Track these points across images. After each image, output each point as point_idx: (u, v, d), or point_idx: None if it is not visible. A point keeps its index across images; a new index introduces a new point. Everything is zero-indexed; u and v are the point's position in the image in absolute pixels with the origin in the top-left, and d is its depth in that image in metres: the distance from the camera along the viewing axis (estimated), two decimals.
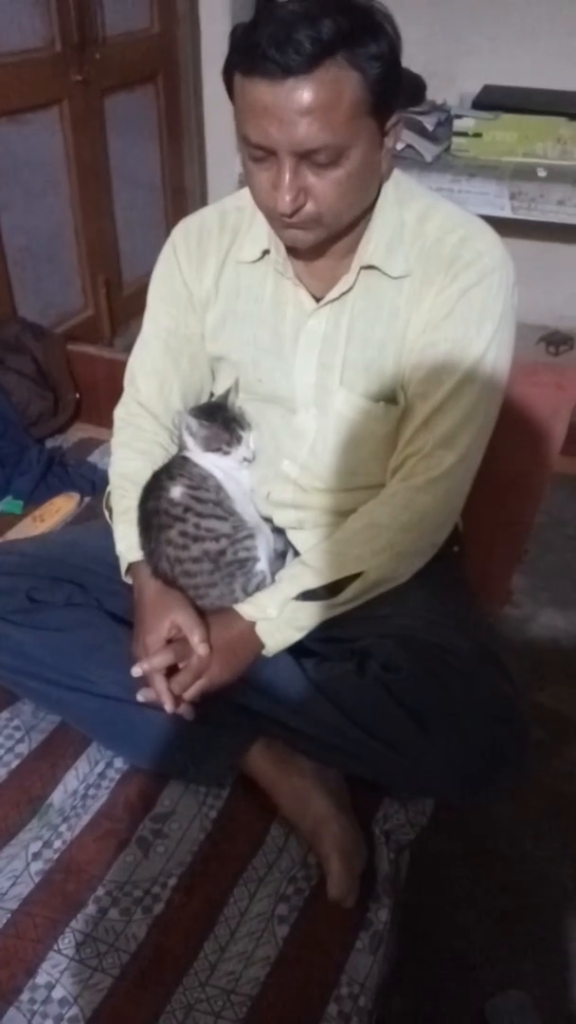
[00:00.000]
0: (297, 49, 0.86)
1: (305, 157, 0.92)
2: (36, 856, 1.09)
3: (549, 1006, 1.28)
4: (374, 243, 1.06)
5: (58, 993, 0.96)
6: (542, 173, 2.29)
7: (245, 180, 1.01)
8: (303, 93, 0.88)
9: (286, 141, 0.91)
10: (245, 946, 1.00)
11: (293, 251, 1.09)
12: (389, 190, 1.06)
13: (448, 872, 1.45)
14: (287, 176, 0.93)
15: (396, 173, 1.08)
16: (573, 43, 2.46)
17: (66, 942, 1.00)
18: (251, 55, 0.88)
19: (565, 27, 2.45)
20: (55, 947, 1.00)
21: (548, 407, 1.33)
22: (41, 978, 0.97)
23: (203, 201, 2.82)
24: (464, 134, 2.41)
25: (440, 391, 1.07)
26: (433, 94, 2.57)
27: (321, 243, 1.04)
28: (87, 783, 1.18)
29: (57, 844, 1.11)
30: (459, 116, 2.41)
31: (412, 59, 2.40)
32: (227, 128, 0.98)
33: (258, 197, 1.00)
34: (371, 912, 1.03)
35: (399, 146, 2.34)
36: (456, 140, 2.42)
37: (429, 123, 2.45)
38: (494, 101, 2.40)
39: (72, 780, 1.18)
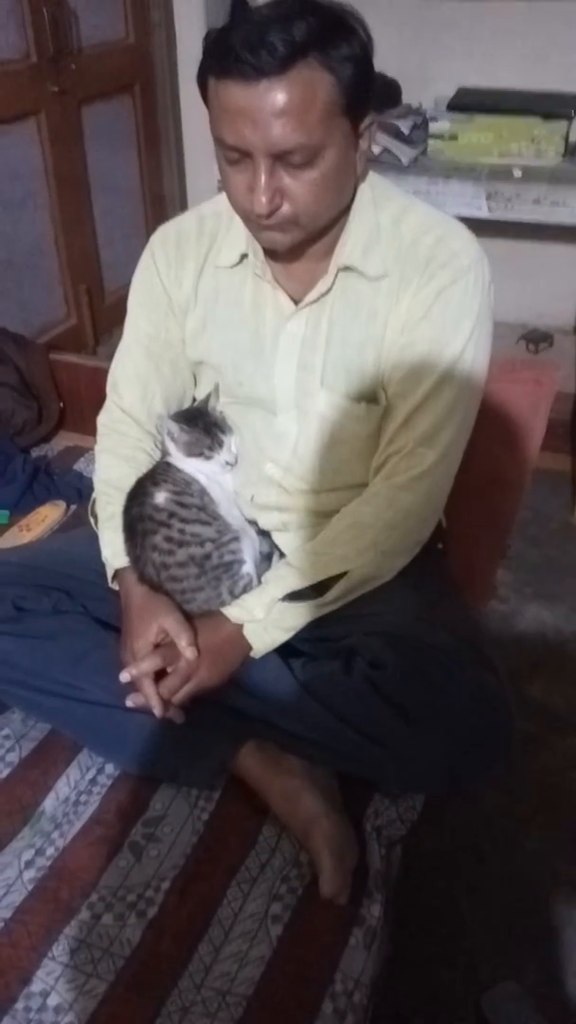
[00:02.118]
0: (270, 51, 0.87)
1: (280, 158, 0.93)
2: (29, 864, 1.09)
3: (545, 997, 1.29)
4: (351, 245, 1.07)
5: (53, 1000, 0.96)
6: (517, 173, 2.31)
7: (221, 183, 1.02)
8: (277, 94, 0.89)
9: (261, 142, 0.92)
10: (239, 946, 1.00)
11: (271, 254, 1.10)
12: (365, 192, 1.07)
13: (442, 867, 1.46)
14: (263, 177, 0.94)
15: (372, 175, 1.09)
16: (545, 44, 2.48)
17: (60, 949, 1.00)
18: (224, 58, 0.89)
19: (537, 29, 2.47)
20: (49, 954, 1.00)
21: (527, 403, 1.35)
22: (36, 986, 0.97)
23: (183, 208, 2.81)
24: (440, 136, 2.42)
25: (420, 390, 1.08)
26: (408, 97, 2.59)
27: (298, 245, 1.05)
28: (78, 790, 1.18)
29: (50, 851, 1.11)
30: (434, 119, 2.42)
31: (387, 63, 2.43)
32: (205, 135, 0.99)
33: (234, 199, 1.01)
34: (364, 908, 1.03)
35: (376, 150, 2.36)
36: (432, 143, 2.43)
37: (405, 126, 2.46)
38: (469, 103, 2.42)
39: (63, 787, 1.18)
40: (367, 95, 0.96)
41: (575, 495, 2.28)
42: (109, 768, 1.20)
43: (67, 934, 1.02)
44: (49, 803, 1.16)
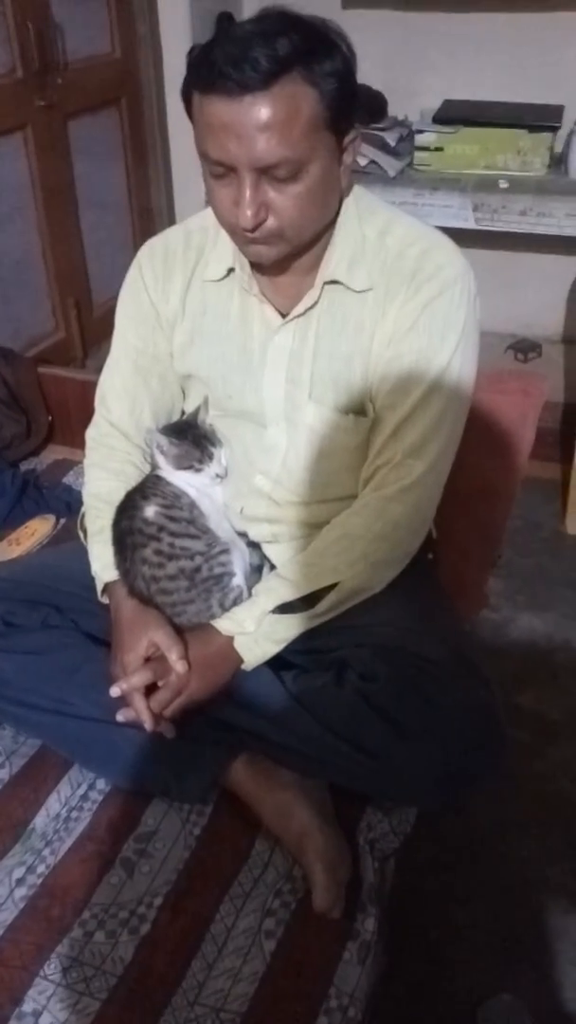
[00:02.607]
0: (254, 66, 0.87)
1: (265, 172, 0.94)
2: (20, 882, 1.08)
3: (541, 1008, 1.29)
4: (336, 258, 1.07)
5: (45, 1020, 0.95)
6: (504, 184, 2.32)
7: (207, 198, 1.03)
8: (261, 109, 0.89)
9: (245, 157, 0.92)
10: (233, 963, 0.99)
11: (258, 268, 1.11)
12: (350, 206, 1.08)
13: (435, 878, 1.46)
14: (248, 191, 0.94)
15: (357, 189, 1.10)
16: (529, 56, 2.50)
17: (52, 967, 0.99)
18: (209, 73, 0.90)
19: (521, 41, 2.49)
20: (41, 973, 0.99)
21: (515, 413, 1.35)
22: (28, 1005, 0.96)
23: (170, 221, 2.83)
24: (426, 148, 2.43)
25: (407, 402, 1.09)
26: (394, 110, 2.60)
27: (284, 259, 1.05)
28: (69, 806, 1.17)
29: (41, 869, 1.10)
30: (420, 131, 2.44)
31: (373, 76, 2.45)
32: (192, 148, 0.99)
33: (220, 214, 1.01)
34: (358, 922, 1.03)
35: (362, 162, 2.38)
36: (418, 155, 2.45)
37: (391, 139, 2.47)
38: (454, 115, 2.43)
39: (54, 804, 1.17)
40: (351, 110, 0.97)
41: (565, 504, 2.28)
42: (100, 784, 1.20)
43: (59, 952, 1.01)
44: (40, 820, 1.15)
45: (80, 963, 1.00)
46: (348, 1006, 0.96)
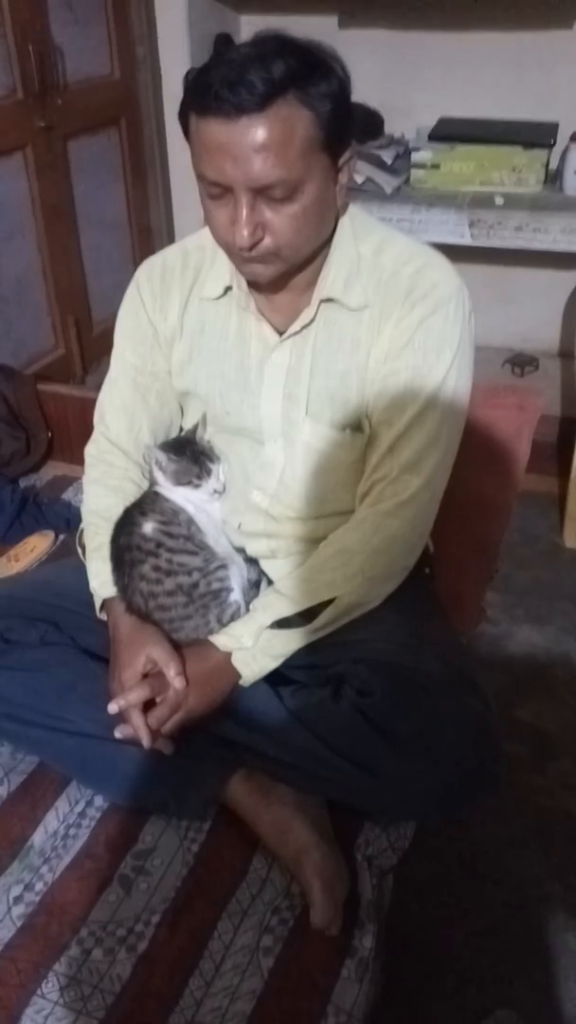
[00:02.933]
0: (250, 89, 0.89)
1: (261, 193, 0.95)
2: (17, 900, 1.08)
3: None
4: (332, 276, 1.08)
5: None
6: (499, 201, 2.34)
7: (204, 217, 1.04)
8: (257, 131, 0.90)
9: (242, 177, 0.93)
10: (230, 980, 0.99)
11: (255, 286, 1.12)
12: (345, 225, 1.09)
13: (434, 894, 1.45)
14: (244, 211, 0.96)
15: (352, 208, 1.11)
16: (524, 74, 2.53)
17: (50, 986, 0.99)
18: (205, 96, 0.91)
19: (516, 59, 2.52)
20: (39, 991, 0.99)
21: (511, 428, 1.36)
22: None
23: (170, 240, 2.85)
24: (422, 166, 2.45)
25: (403, 418, 1.10)
26: (391, 128, 2.63)
27: (281, 277, 1.06)
28: (67, 823, 1.17)
29: (39, 886, 1.10)
30: (417, 148, 2.46)
31: (369, 94, 2.47)
32: (191, 169, 1.01)
33: (217, 233, 1.02)
34: (356, 939, 1.02)
35: (359, 179, 2.40)
36: (415, 172, 2.47)
37: (388, 156, 2.49)
38: (450, 133, 2.45)
39: (52, 821, 1.17)
40: (345, 131, 0.98)
41: (563, 517, 2.29)
42: (98, 801, 1.20)
43: (56, 971, 1.01)
44: (38, 837, 1.15)
45: (78, 981, 0.99)
46: (346, 1023, 0.95)
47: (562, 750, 1.71)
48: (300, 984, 0.99)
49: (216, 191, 0.97)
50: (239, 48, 0.95)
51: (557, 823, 1.57)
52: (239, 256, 1.02)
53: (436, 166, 2.46)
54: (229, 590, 1.19)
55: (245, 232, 0.96)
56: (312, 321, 1.11)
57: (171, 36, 2.60)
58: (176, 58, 2.60)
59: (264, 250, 1.00)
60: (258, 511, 1.24)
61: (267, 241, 0.99)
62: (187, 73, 0.96)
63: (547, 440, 2.40)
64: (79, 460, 1.33)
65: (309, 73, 0.92)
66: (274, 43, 0.94)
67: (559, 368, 2.82)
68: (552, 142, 2.39)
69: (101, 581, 1.20)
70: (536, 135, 2.40)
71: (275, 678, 1.15)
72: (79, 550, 1.28)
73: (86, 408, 1.35)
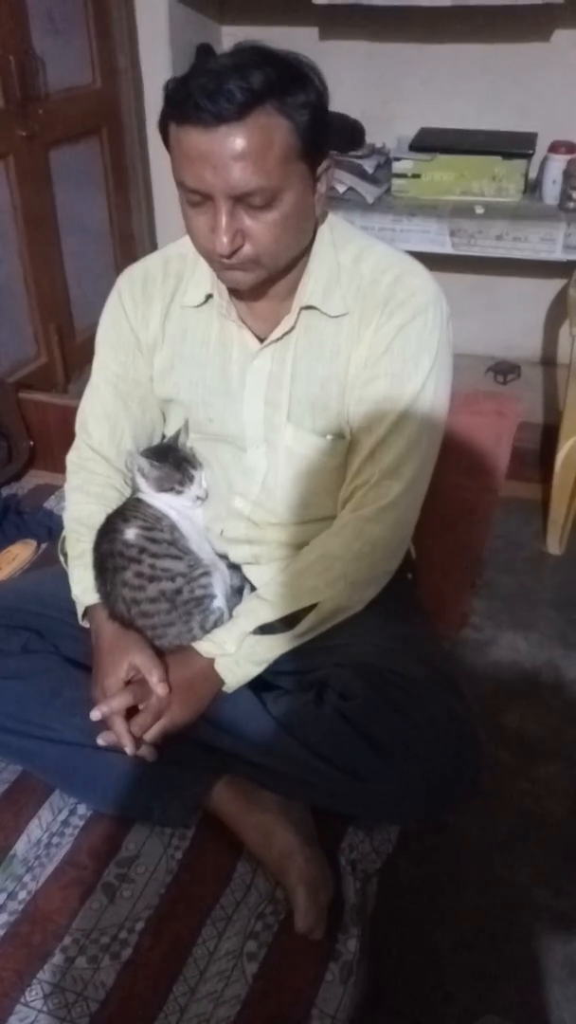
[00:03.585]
0: (229, 98, 0.90)
1: (240, 200, 0.96)
2: (0, 909, 1.08)
3: None
4: (312, 284, 1.09)
5: None
6: (480, 210, 2.37)
7: (185, 225, 1.04)
8: (236, 139, 0.92)
9: (221, 185, 0.94)
10: (215, 986, 0.99)
11: (235, 293, 1.13)
12: (325, 233, 1.10)
13: (419, 898, 1.45)
14: (224, 219, 0.97)
15: (331, 217, 1.12)
16: (504, 85, 2.56)
17: (33, 994, 0.99)
18: (184, 105, 0.92)
19: (494, 70, 2.55)
20: (22, 1000, 0.98)
21: (491, 434, 1.37)
22: None
23: (151, 248, 2.86)
24: (403, 175, 2.48)
25: (383, 424, 1.11)
26: (372, 138, 2.65)
27: (261, 284, 1.07)
28: (50, 832, 1.16)
29: (22, 895, 1.09)
30: (398, 158, 2.48)
31: (350, 105, 2.49)
32: (172, 176, 1.02)
33: (197, 240, 1.03)
34: (340, 943, 1.02)
35: (341, 188, 2.42)
36: (396, 181, 2.49)
37: (369, 166, 2.52)
38: (431, 143, 2.48)
39: (35, 829, 1.17)
40: (323, 140, 0.99)
41: (546, 524, 2.30)
42: (81, 809, 1.19)
43: (40, 979, 1.00)
44: (21, 846, 1.15)
45: (62, 989, 0.99)
46: None
47: (547, 755, 1.72)
48: (285, 988, 0.98)
49: (196, 199, 0.98)
50: (219, 58, 0.96)
51: (542, 828, 1.58)
52: (219, 263, 1.03)
53: (417, 176, 2.48)
54: (212, 597, 1.19)
55: (225, 239, 0.97)
56: (292, 328, 1.12)
57: (152, 46, 2.61)
58: (157, 68, 2.61)
59: (244, 257, 1.00)
60: (240, 517, 1.24)
61: (247, 248, 1.00)
62: (167, 82, 0.97)
63: (529, 447, 2.42)
64: (61, 468, 1.33)
65: (287, 83, 0.94)
66: (253, 53, 0.95)
67: (541, 376, 2.85)
68: (531, 152, 2.42)
69: (83, 588, 1.20)
70: (515, 145, 2.44)
71: (258, 684, 1.16)
72: (61, 558, 1.28)
73: (68, 416, 1.35)
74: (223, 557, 1.28)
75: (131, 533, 1.18)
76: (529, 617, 2.08)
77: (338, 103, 1.02)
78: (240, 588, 1.26)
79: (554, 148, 2.41)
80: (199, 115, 0.91)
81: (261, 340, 1.14)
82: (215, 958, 1.01)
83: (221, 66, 0.93)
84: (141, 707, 1.11)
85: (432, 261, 1.12)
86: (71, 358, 2.61)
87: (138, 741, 1.10)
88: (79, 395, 1.31)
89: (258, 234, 0.99)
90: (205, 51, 2.63)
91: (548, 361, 2.91)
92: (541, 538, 2.33)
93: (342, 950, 1.02)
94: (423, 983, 1.34)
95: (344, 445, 1.16)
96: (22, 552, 1.70)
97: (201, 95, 0.90)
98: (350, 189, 2.45)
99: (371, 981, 1.08)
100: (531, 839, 1.56)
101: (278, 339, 1.13)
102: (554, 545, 2.30)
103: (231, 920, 1.05)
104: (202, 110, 0.91)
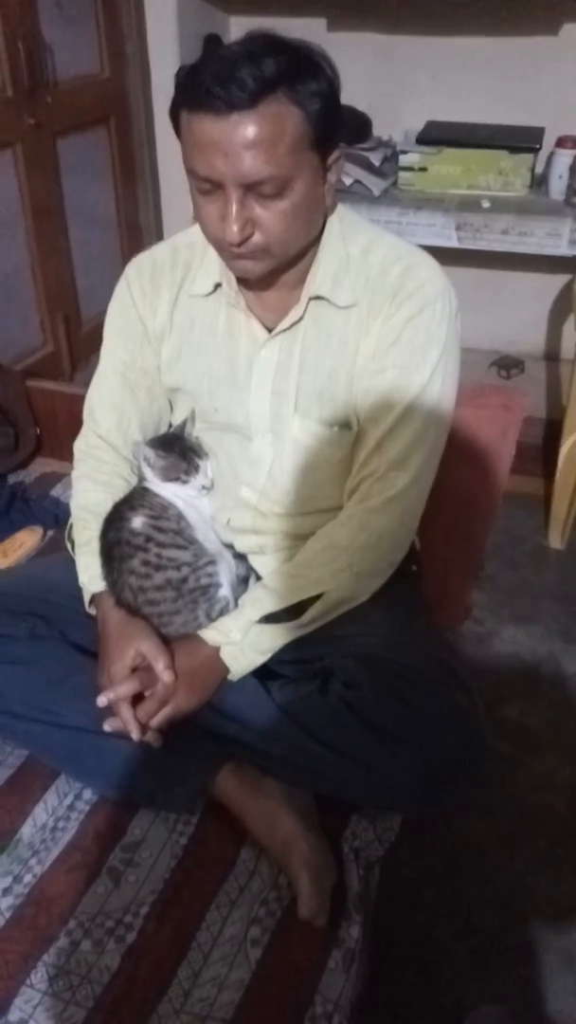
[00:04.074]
0: (240, 86, 0.90)
1: (251, 189, 0.96)
2: (6, 892, 1.09)
3: (527, 1018, 1.29)
4: (321, 275, 1.09)
5: None
6: (486, 204, 2.37)
7: (194, 214, 1.05)
8: (247, 127, 0.92)
9: (232, 173, 0.94)
10: (218, 971, 1.00)
11: (244, 283, 1.13)
12: (334, 224, 1.10)
13: (422, 889, 1.46)
14: (234, 207, 0.97)
15: (341, 208, 1.12)
16: (511, 79, 2.56)
17: (38, 976, 1.00)
18: (196, 92, 0.92)
19: (502, 64, 2.54)
20: (27, 982, 0.99)
21: (496, 428, 1.38)
22: (14, 1015, 0.96)
23: (159, 237, 2.86)
24: (410, 168, 2.47)
25: (390, 415, 1.11)
26: (379, 131, 2.64)
27: (270, 274, 1.07)
28: (56, 816, 1.17)
29: (27, 879, 1.10)
30: (404, 151, 2.48)
31: (357, 97, 2.48)
32: (180, 166, 1.01)
33: (207, 229, 1.03)
34: (343, 930, 1.03)
35: (347, 181, 2.41)
36: (402, 175, 2.49)
37: (376, 159, 2.51)
38: (437, 136, 2.48)
39: (41, 813, 1.18)
40: (334, 130, 0.99)
41: (548, 518, 2.31)
42: (87, 794, 1.20)
43: (45, 961, 1.01)
44: (27, 830, 1.16)
45: (66, 972, 1.00)
46: (333, 1013, 0.96)
47: (546, 747, 1.73)
48: (287, 974, 0.99)
49: (206, 187, 0.98)
50: (231, 46, 0.96)
51: (542, 819, 1.59)
52: (229, 252, 1.03)
53: (424, 169, 2.48)
54: (218, 585, 1.20)
55: (235, 228, 0.97)
56: (301, 318, 1.12)
57: (160, 35, 2.61)
58: (165, 57, 2.60)
59: (253, 246, 1.01)
60: (247, 507, 1.25)
61: (257, 237, 1.00)
62: (179, 69, 0.97)
63: (532, 442, 2.42)
64: (68, 457, 1.34)
65: (299, 72, 0.94)
66: (265, 42, 0.95)
67: (544, 371, 2.85)
68: (538, 146, 2.41)
69: (90, 576, 1.20)
70: (522, 139, 2.43)
71: (263, 672, 1.16)
72: (68, 545, 1.28)
73: (75, 405, 1.35)
74: (229, 546, 1.29)
75: (138, 522, 1.18)
76: (530, 611, 2.09)
77: (345, 95, 1.01)
78: (246, 577, 1.27)
79: (561, 143, 2.40)
80: (211, 102, 0.91)
81: (269, 330, 1.14)
82: (219, 943, 1.02)
83: (233, 54, 0.93)
84: (147, 694, 1.11)
85: (437, 255, 1.12)
86: (78, 347, 2.62)
87: (144, 727, 1.10)
88: (86, 384, 1.31)
89: (268, 223, 0.99)
90: (213, 41, 2.61)
91: (552, 356, 2.92)
92: (543, 532, 2.34)
93: (345, 937, 1.03)
94: (423, 971, 1.35)
95: (350, 436, 1.17)
96: (29, 539, 1.71)
97: (213, 82, 0.90)
98: (356, 182, 2.45)
99: (372, 969, 1.08)
100: (530, 831, 1.57)
101: (286, 329, 1.13)
102: (556, 540, 2.31)
103: (235, 906, 1.06)
104: (214, 97, 0.91)
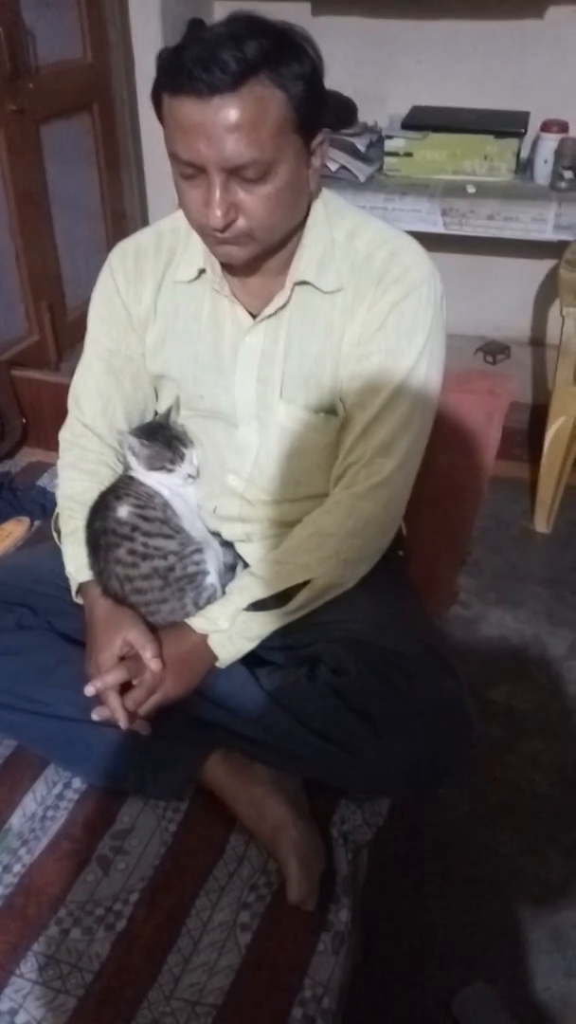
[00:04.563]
0: (223, 68, 0.89)
1: (234, 173, 0.95)
2: None
3: (514, 997, 1.31)
4: (306, 260, 1.09)
5: (22, 1018, 0.95)
6: (471, 189, 2.36)
7: (178, 199, 1.04)
8: (230, 110, 0.91)
9: (215, 157, 0.93)
10: (208, 956, 1.00)
11: (228, 269, 1.12)
12: (319, 209, 1.10)
13: (409, 870, 1.47)
14: (217, 192, 0.96)
15: (326, 193, 1.12)
16: (496, 64, 2.55)
17: (28, 966, 1.00)
18: (178, 75, 0.91)
19: (487, 48, 2.53)
20: (17, 971, 0.99)
21: (482, 413, 1.38)
22: (4, 1004, 0.97)
23: (144, 224, 2.81)
24: (395, 154, 2.46)
25: (376, 401, 1.11)
26: (364, 116, 2.63)
27: (255, 260, 1.07)
28: (45, 805, 1.17)
29: (17, 868, 1.10)
30: (390, 136, 2.47)
31: (343, 82, 2.47)
32: (165, 152, 1.01)
33: (190, 214, 1.02)
34: (332, 914, 1.04)
35: (333, 167, 2.40)
36: (388, 160, 2.48)
37: (361, 144, 2.50)
38: (423, 121, 2.47)
39: (30, 803, 1.18)
40: (318, 114, 0.98)
41: (534, 502, 2.32)
42: (76, 783, 1.20)
43: (35, 950, 1.01)
44: (16, 819, 1.16)
45: (56, 961, 1.00)
46: (323, 996, 0.97)
47: (534, 730, 1.74)
48: (277, 958, 1.00)
49: (189, 171, 0.97)
50: (212, 28, 0.95)
51: (529, 801, 1.60)
52: (212, 237, 1.02)
53: (409, 154, 2.47)
54: (205, 573, 1.20)
55: (218, 212, 0.97)
56: (286, 304, 1.11)
57: (144, 20, 2.58)
58: (149, 42, 2.58)
59: (237, 231, 1.00)
60: (233, 495, 1.25)
61: (240, 222, 0.99)
62: (160, 52, 0.96)
63: (518, 427, 2.43)
64: (54, 446, 1.33)
65: (282, 54, 0.93)
66: (248, 24, 0.94)
67: (530, 356, 2.86)
68: (523, 131, 2.41)
69: (77, 565, 1.20)
70: (508, 124, 2.43)
71: (251, 659, 1.16)
72: (54, 535, 1.28)
73: (61, 394, 1.34)
74: (216, 535, 1.29)
75: (123, 511, 1.18)
76: (517, 594, 2.10)
77: (330, 80, 1.00)
78: (233, 565, 1.27)
79: (546, 127, 2.40)
80: (192, 85, 0.90)
81: (254, 316, 1.14)
82: (208, 929, 1.03)
83: (215, 35, 0.92)
84: (135, 682, 1.11)
85: (423, 240, 1.12)
86: (63, 336, 2.60)
87: (132, 715, 1.10)
88: (71, 373, 1.30)
89: (252, 208, 0.98)
90: (197, 25, 2.59)
91: (538, 341, 2.92)
92: (529, 517, 2.34)
93: (334, 920, 1.04)
94: (412, 952, 1.36)
95: (336, 422, 1.16)
96: (15, 529, 1.70)
97: (195, 65, 0.89)
98: (342, 167, 2.44)
99: (361, 952, 1.09)
100: (517, 811, 1.58)
101: (271, 315, 1.12)
102: (541, 524, 2.32)
103: (224, 891, 1.07)
104: (196, 80, 0.90)
